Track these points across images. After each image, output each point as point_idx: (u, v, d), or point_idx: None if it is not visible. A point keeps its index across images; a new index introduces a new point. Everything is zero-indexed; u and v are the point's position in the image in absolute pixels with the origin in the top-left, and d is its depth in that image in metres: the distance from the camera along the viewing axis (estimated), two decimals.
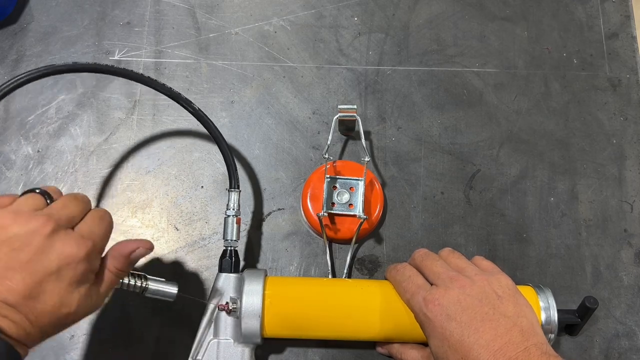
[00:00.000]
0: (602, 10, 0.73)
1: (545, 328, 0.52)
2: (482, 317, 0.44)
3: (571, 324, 0.56)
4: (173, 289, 0.51)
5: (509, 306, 0.45)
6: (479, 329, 0.44)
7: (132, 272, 0.50)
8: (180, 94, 0.55)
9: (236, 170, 0.56)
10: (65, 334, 0.57)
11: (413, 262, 0.53)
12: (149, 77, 0.54)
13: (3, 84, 0.47)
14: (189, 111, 0.55)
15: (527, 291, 0.54)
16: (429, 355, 0.51)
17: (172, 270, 0.61)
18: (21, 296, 0.36)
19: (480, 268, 0.50)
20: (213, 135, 0.55)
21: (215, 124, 0.56)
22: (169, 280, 0.51)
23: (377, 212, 0.61)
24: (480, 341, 0.43)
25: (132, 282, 0.49)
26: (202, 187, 0.64)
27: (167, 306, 0.59)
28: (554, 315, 0.52)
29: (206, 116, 0.56)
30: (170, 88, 0.55)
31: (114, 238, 0.63)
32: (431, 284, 0.49)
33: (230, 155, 0.55)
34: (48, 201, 0.42)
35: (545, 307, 0.53)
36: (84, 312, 0.42)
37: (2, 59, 0.69)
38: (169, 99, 0.55)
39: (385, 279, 0.55)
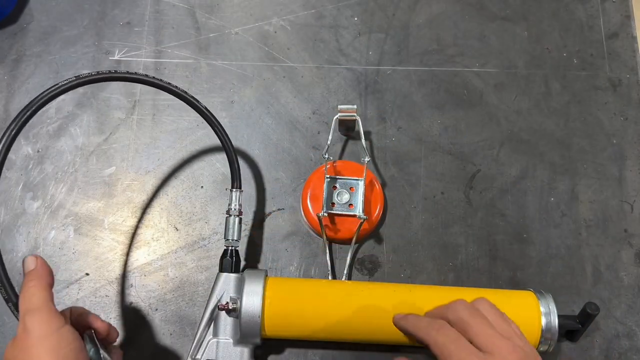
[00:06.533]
0: (603, 10, 0.73)
1: (546, 334, 0.52)
2: None
3: (571, 329, 0.56)
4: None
5: None
6: None
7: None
8: (185, 92, 0.53)
9: (239, 170, 0.56)
10: None
11: (452, 317, 0.46)
12: (153, 77, 0.52)
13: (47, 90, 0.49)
14: (197, 110, 0.54)
15: (527, 296, 0.54)
16: None
17: (172, 270, 0.61)
18: None
19: (502, 327, 0.46)
20: (218, 134, 0.55)
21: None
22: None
23: (377, 212, 0.61)
24: None
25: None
26: (202, 187, 0.64)
27: (166, 305, 0.59)
28: (555, 321, 0.52)
29: (212, 116, 0.55)
30: (176, 87, 0.53)
31: (114, 238, 0.63)
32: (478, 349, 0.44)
33: (234, 155, 0.55)
34: None
35: (546, 313, 0.52)
36: None
37: (1, 59, 0.69)
38: (168, 99, 0.55)
39: (399, 326, 0.51)
